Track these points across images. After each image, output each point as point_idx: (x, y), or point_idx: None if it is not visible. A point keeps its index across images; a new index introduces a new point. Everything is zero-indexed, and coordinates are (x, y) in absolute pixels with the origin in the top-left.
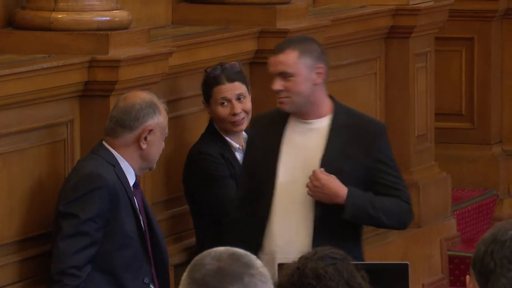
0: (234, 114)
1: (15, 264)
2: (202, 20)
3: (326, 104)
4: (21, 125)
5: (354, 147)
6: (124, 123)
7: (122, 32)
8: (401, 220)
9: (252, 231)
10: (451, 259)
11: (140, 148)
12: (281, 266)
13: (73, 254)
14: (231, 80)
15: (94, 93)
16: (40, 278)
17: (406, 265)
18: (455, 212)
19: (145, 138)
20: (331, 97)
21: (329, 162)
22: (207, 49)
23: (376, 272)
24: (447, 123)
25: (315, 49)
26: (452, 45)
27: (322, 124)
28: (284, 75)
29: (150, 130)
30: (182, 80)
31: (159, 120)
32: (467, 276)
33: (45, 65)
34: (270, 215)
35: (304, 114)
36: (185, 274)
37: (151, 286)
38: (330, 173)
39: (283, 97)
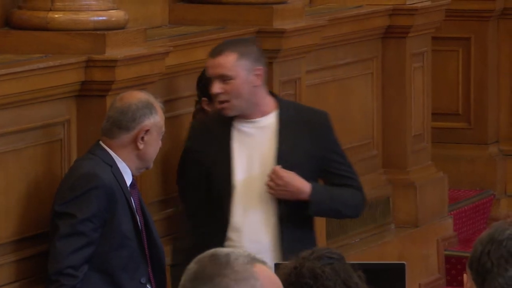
0: None
1: (12, 264)
2: (198, 20)
3: (269, 102)
4: (17, 125)
5: (304, 140)
6: (120, 124)
7: (119, 32)
8: (356, 210)
9: (213, 235)
10: (448, 259)
11: (137, 148)
12: (277, 265)
13: (69, 254)
14: None
15: (90, 93)
16: (37, 278)
17: (403, 265)
18: (451, 212)
19: (142, 138)
20: (272, 93)
21: (283, 158)
22: (203, 49)
23: (373, 272)
24: (444, 123)
25: (254, 51)
26: (449, 45)
27: (268, 121)
28: (223, 78)
29: (147, 130)
30: (179, 80)
31: (156, 120)
32: (464, 276)
33: (41, 65)
34: (231, 218)
35: (248, 115)
36: None
37: (148, 286)
38: (286, 168)
39: (223, 101)
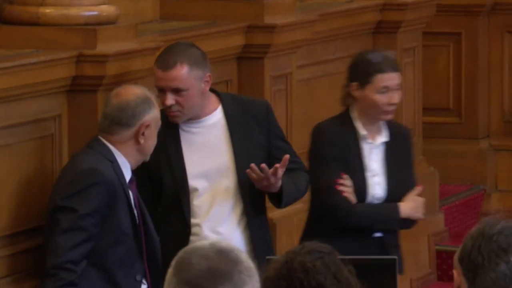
0: (391, 104)
1: (4, 259)
2: (189, 15)
3: (213, 100)
4: (8, 120)
5: (252, 131)
6: (120, 121)
7: (110, 27)
8: (306, 190)
9: (174, 237)
10: (439, 254)
11: (138, 143)
12: (268, 260)
13: (69, 248)
14: (395, 69)
15: (81, 88)
16: (29, 273)
17: (394, 259)
18: (442, 207)
19: (143, 133)
20: (212, 89)
21: (239, 152)
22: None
23: (364, 267)
24: (435, 118)
25: (201, 58)
26: (440, 40)
27: (215, 118)
28: (177, 90)
29: (147, 125)
30: None
31: (154, 114)
32: (454, 272)
33: (32, 60)
34: (192, 219)
35: (195, 117)
36: (170, 272)
37: (143, 281)
38: (243, 162)
39: (175, 111)
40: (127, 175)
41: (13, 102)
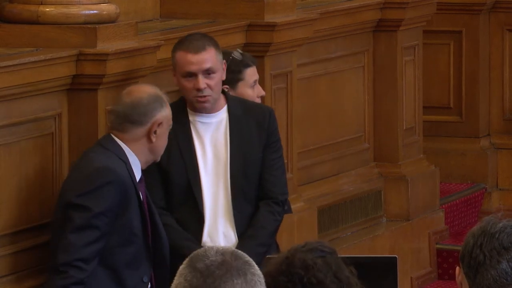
0: (261, 97)
1: (5, 257)
2: (189, 13)
3: (222, 97)
4: (8, 119)
5: (253, 133)
6: (133, 119)
7: (110, 26)
8: (279, 223)
9: (187, 227)
10: (439, 252)
11: (150, 141)
12: (268, 259)
13: (81, 247)
14: (255, 63)
15: (82, 86)
16: (30, 271)
17: (395, 258)
18: (443, 206)
19: (155, 132)
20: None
21: (235, 152)
22: None
23: (365, 266)
24: (436, 116)
25: (218, 45)
26: (440, 38)
27: (223, 116)
28: (208, 72)
29: (160, 124)
30: (171, 73)
31: (166, 113)
32: (457, 268)
33: (32, 59)
34: (204, 210)
35: (210, 109)
36: (184, 265)
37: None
38: (238, 162)
39: (207, 95)
40: (138, 174)
41: (13, 101)
